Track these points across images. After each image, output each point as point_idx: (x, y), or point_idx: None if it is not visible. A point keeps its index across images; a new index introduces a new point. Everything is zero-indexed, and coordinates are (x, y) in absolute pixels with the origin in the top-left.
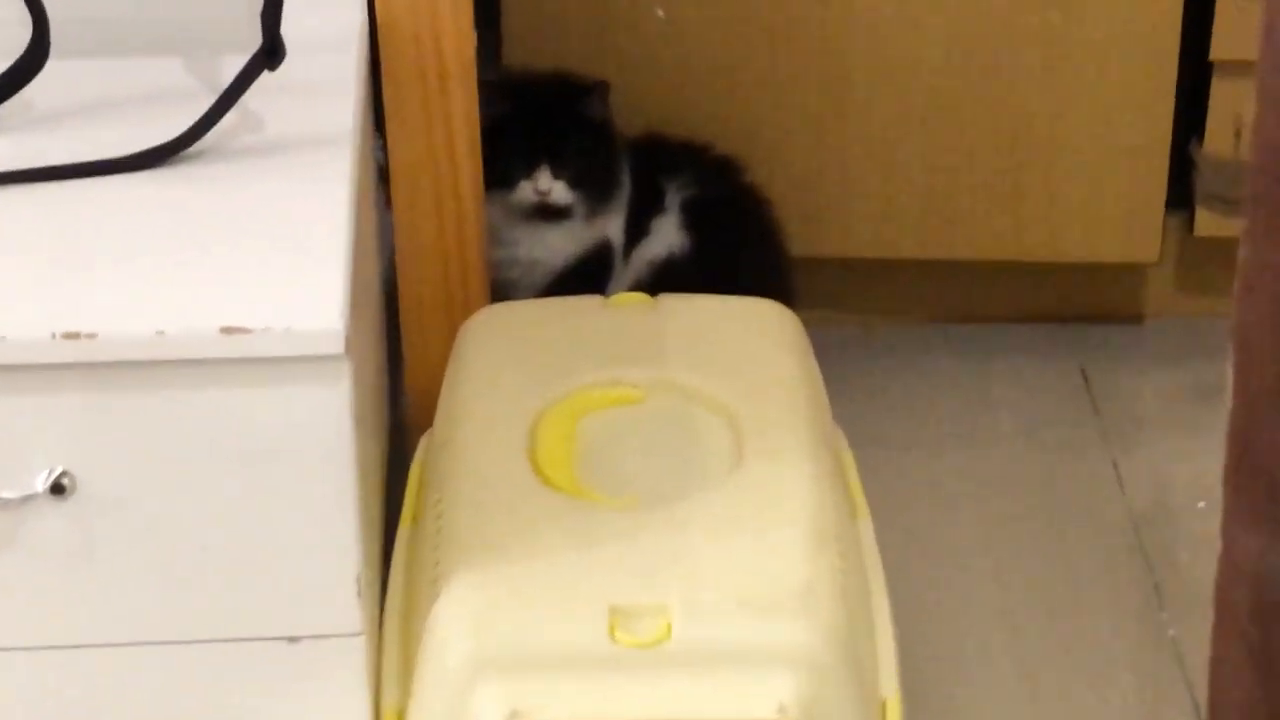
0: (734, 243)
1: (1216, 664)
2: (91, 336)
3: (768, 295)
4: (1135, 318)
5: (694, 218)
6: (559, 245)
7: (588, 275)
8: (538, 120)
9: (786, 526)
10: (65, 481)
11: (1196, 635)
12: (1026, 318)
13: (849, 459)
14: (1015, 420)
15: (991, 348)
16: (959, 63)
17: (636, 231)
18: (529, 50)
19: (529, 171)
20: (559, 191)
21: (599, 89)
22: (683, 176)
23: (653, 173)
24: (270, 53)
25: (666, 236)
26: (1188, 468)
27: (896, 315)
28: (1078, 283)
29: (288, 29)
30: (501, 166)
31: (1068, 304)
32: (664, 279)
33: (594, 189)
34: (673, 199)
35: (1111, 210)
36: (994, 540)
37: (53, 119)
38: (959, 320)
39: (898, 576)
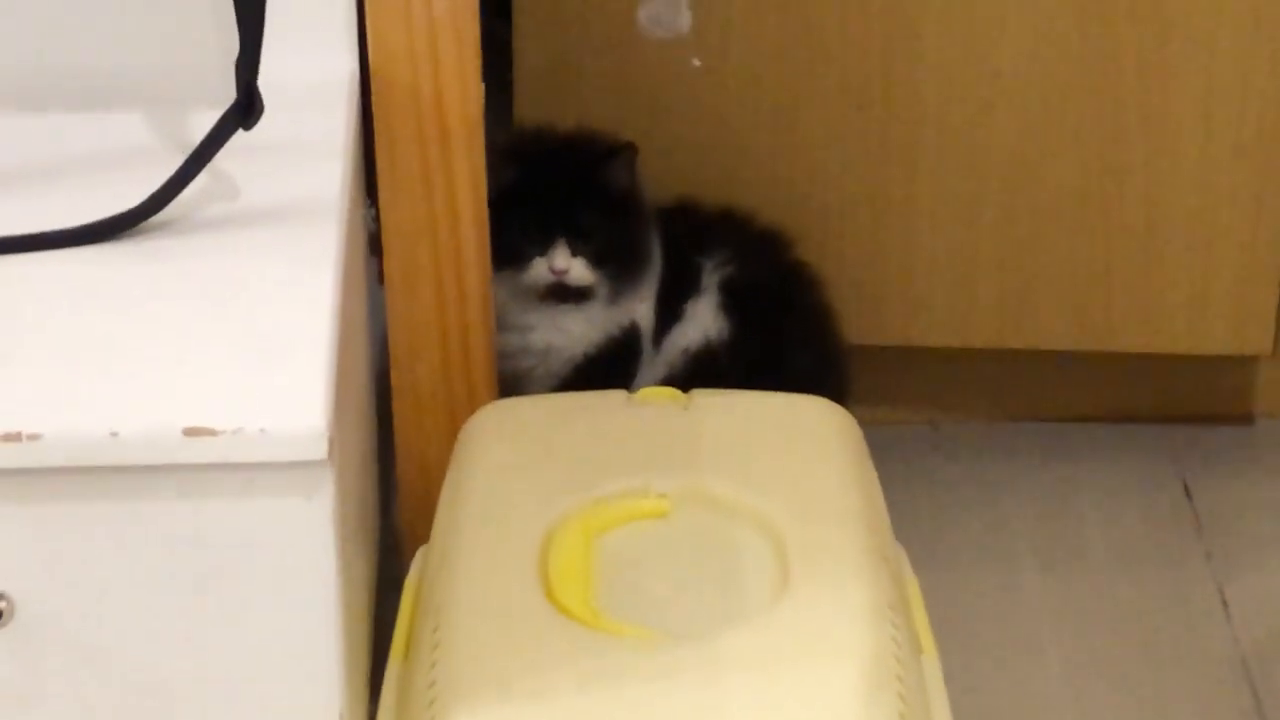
0: (780, 329)
1: None
2: (35, 438)
3: (818, 390)
4: (1244, 418)
5: (734, 300)
6: (578, 331)
7: (612, 366)
8: (553, 189)
9: (839, 665)
10: (2, 605)
11: None
12: (1118, 417)
13: (912, 584)
14: (1105, 538)
15: (1078, 452)
16: (1042, 124)
17: (668, 315)
18: (543, 106)
19: (543, 247)
20: (578, 270)
21: (624, 153)
22: (721, 252)
23: (687, 248)
24: (245, 108)
25: (703, 321)
26: None
27: (968, 413)
28: (1178, 377)
29: (266, 80)
30: (512, 241)
31: (1166, 402)
32: (700, 370)
33: (619, 267)
34: (710, 278)
35: (1218, 294)
36: (1080, 681)
37: None
38: (1040, 419)
39: None
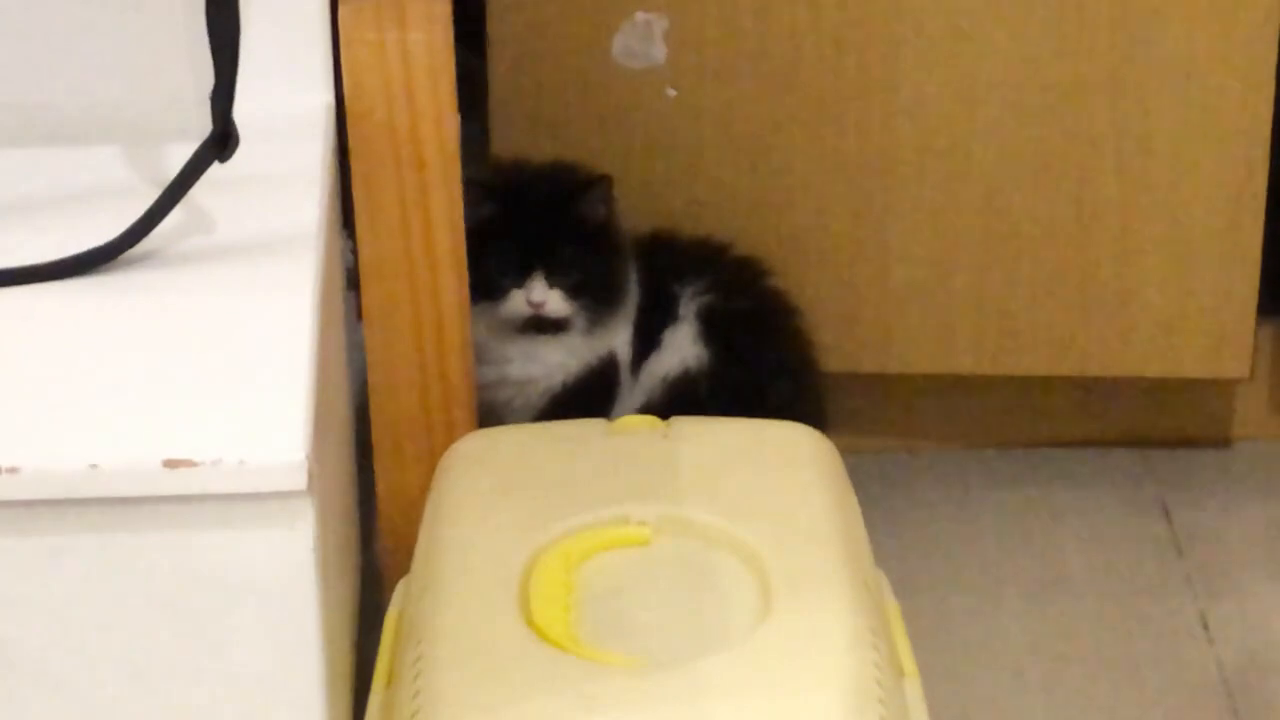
0: (758, 357)
1: None
2: (13, 471)
3: (796, 417)
4: (1223, 441)
5: (712, 328)
6: (556, 362)
7: (590, 395)
8: (530, 222)
9: (820, 690)
10: None
11: None
12: (1097, 442)
13: (893, 609)
14: (1085, 562)
15: (1057, 477)
16: (1018, 150)
17: (646, 344)
18: (519, 138)
19: (520, 280)
20: (555, 302)
21: (601, 185)
22: (698, 281)
23: (664, 277)
24: (221, 141)
25: (681, 350)
26: None
27: (947, 440)
28: (1156, 402)
29: (241, 113)
30: (489, 274)
31: (1145, 426)
32: (679, 398)
33: (596, 298)
34: (687, 307)
35: (1194, 318)
36: (1062, 704)
37: None
38: (1019, 445)
39: None
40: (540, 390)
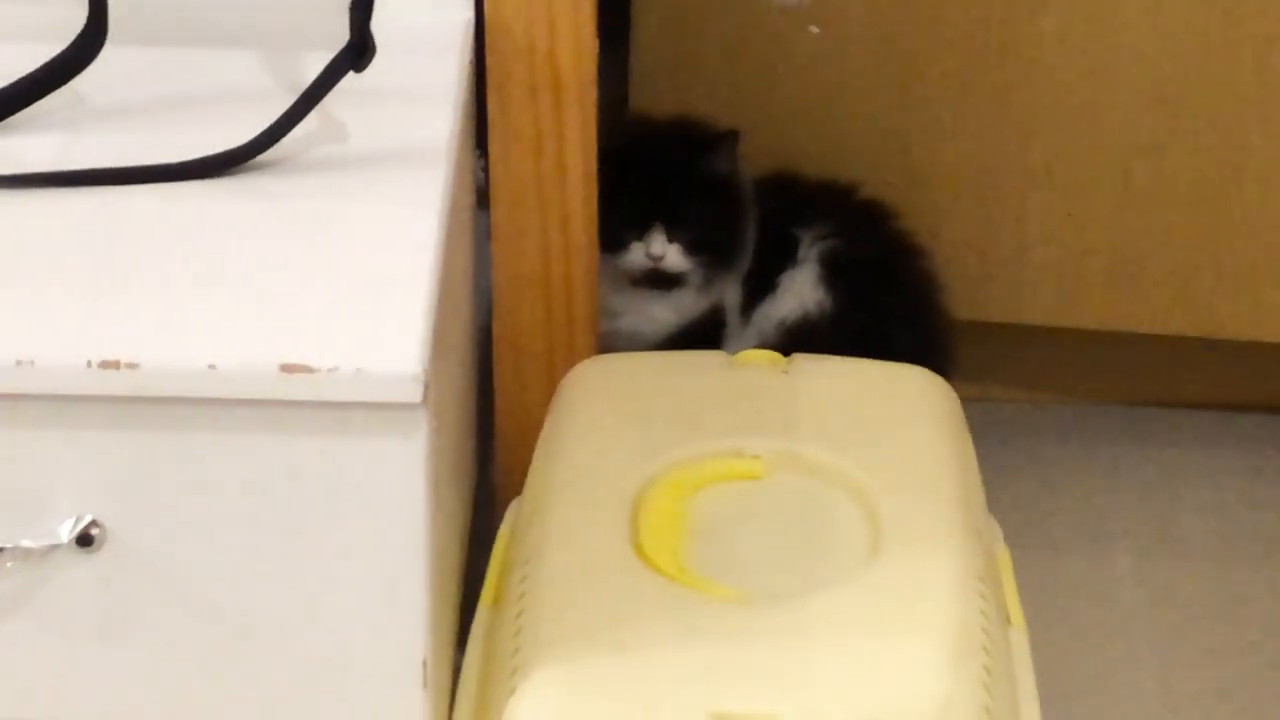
0: (884, 304)
1: None
2: (133, 367)
3: (922, 364)
4: None
5: (836, 273)
6: (663, 318)
7: (694, 344)
8: (655, 176)
9: (925, 632)
10: (94, 532)
11: None
12: (1224, 405)
13: (1004, 557)
14: (1207, 526)
15: (1181, 437)
16: (1161, 107)
17: (759, 287)
18: (659, 65)
19: (641, 233)
20: (674, 257)
21: (728, 140)
22: (821, 225)
23: (782, 219)
24: (358, 51)
25: (801, 294)
26: None
27: (1072, 393)
28: None
29: (380, 25)
30: (610, 226)
31: (1274, 392)
32: (798, 342)
33: (715, 255)
34: (808, 250)
35: None
36: (1171, 666)
37: (104, 115)
38: (1144, 403)
39: (1052, 698)
40: (643, 344)
